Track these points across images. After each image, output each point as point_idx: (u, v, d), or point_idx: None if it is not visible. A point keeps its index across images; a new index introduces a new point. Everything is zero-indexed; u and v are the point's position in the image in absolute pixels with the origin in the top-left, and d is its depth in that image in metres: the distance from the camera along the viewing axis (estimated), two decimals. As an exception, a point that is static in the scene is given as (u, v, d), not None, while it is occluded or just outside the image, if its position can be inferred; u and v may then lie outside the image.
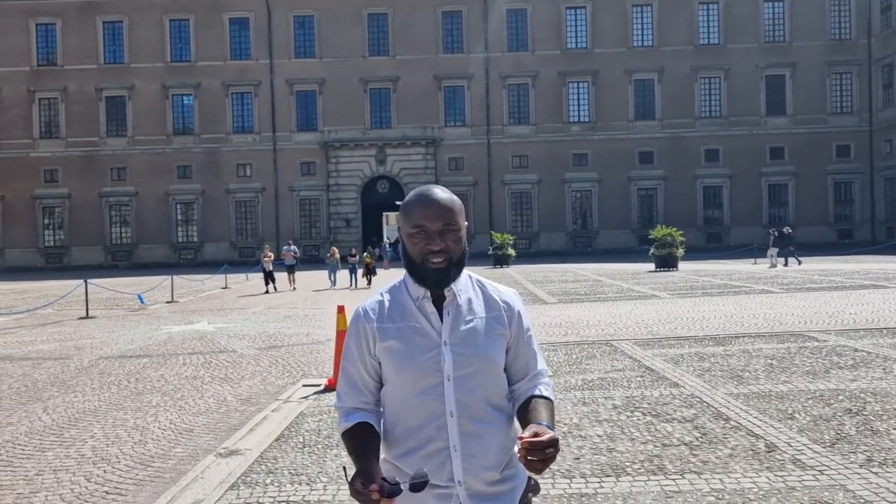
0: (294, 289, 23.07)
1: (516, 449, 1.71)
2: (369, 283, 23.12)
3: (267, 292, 22.02)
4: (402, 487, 1.65)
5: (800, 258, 27.55)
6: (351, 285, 23.21)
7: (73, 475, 5.18)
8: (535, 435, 1.67)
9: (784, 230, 27.48)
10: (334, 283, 23.71)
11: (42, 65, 43.23)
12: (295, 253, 24.74)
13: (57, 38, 43.02)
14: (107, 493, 4.81)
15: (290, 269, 23.82)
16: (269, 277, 22.63)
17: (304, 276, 28.33)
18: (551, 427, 1.76)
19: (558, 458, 4.98)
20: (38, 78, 43.01)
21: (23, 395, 7.86)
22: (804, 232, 42.46)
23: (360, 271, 24.08)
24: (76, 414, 7.06)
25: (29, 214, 43.02)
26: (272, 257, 23.37)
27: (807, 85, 42.87)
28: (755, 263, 28.10)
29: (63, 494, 4.79)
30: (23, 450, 5.87)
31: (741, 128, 43.00)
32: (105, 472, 5.25)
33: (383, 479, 1.65)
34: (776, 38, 43.34)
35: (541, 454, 1.65)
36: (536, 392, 1.94)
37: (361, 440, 1.87)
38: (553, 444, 1.67)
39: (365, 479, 1.70)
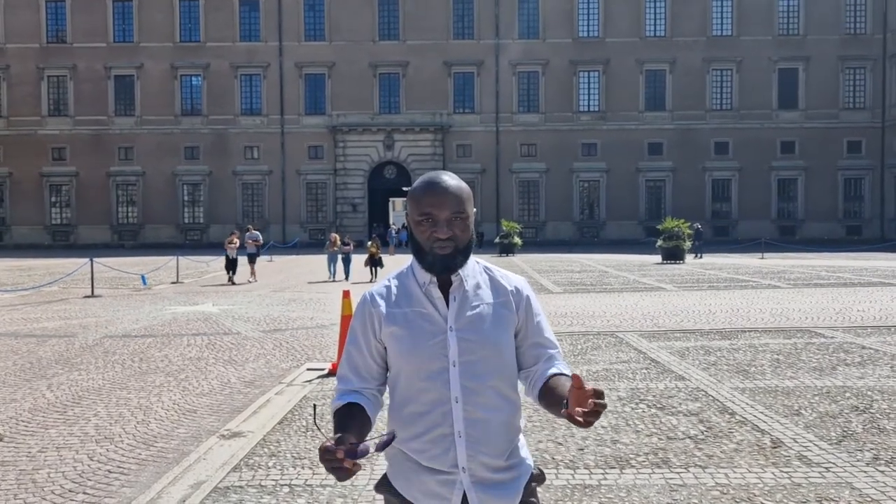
0: (252, 280, 20.02)
1: (567, 411, 1.62)
2: (374, 275, 20.35)
3: (231, 283, 19.37)
4: (369, 446, 1.61)
5: (702, 254, 29.67)
6: (346, 277, 20.30)
7: (76, 453, 5.18)
8: (581, 384, 1.60)
9: (695, 226, 29.19)
10: (333, 274, 20.71)
11: (51, 42, 43.18)
12: (257, 240, 21.59)
13: (67, 15, 42.92)
14: (109, 471, 4.81)
15: (251, 259, 20.84)
16: (231, 266, 19.73)
17: (302, 263, 28.22)
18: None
19: (562, 448, 4.96)
20: (48, 55, 42.97)
21: (27, 372, 7.88)
22: (813, 227, 42.29)
23: (352, 260, 21.53)
24: (80, 392, 7.07)
25: (36, 192, 43.13)
26: (237, 244, 20.22)
27: (820, 79, 42.52)
28: (762, 258, 27.99)
29: (66, 472, 4.79)
30: (26, 426, 5.87)
31: (752, 121, 42.71)
32: (108, 450, 5.25)
33: (350, 442, 1.60)
34: (790, 31, 42.95)
35: (594, 404, 1.57)
36: (555, 370, 1.90)
37: (347, 417, 1.85)
38: (600, 394, 1.59)
39: (336, 442, 1.62)
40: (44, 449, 5.28)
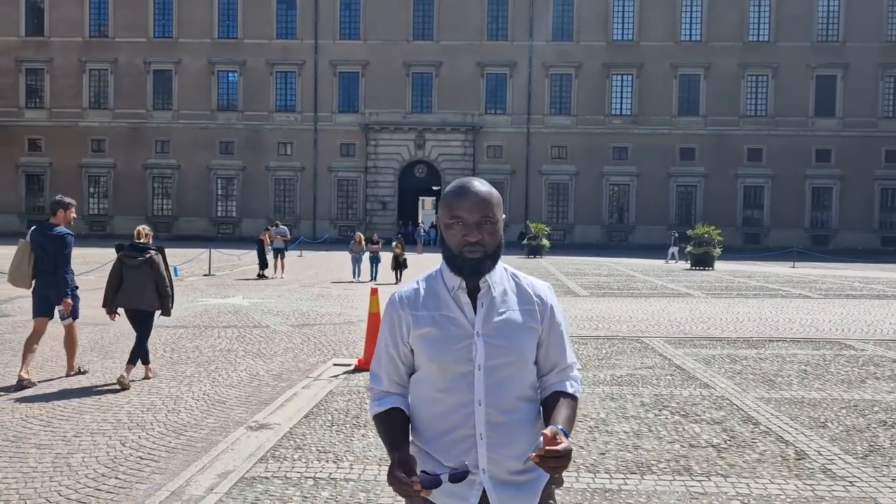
0: (281, 275, 19.85)
1: (532, 454, 1.76)
2: (399, 277, 19.06)
3: (262, 277, 19.52)
4: (442, 479, 1.69)
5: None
6: (371, 278, 19.48)
7: (109, 439, 5.34)
8: (554, 440, 1.73)
9: (674, 234, 31.86)
10: (358, 274, 19.72)
11: (94, 36, 44.09)
12: (285, 235, 21.58)
13: (109, 10, 43.80)
14: (140, 458, 4.95)
15: (279, 254, 20.68)
16: (262, 261, 19.99)
17: (329, 260, 28.37)
18: (567, 433, 1.82)
19: (583, 452, 4.99)
20: (90, 49, 43.88)
21: (64, 359, 8.09)
22: (847, 237, 41.52)
23: (381, 259, 20.53)
24: (114, 379, 7.26)
25: (75, 182, 44.02)
26: (272, 240, 20.58)
27: (858, 87, 41.70)
28: (793, 267, 27.57)
29: (99, 457, 4.94)
30: (62, 411, 6.06)
31: (787, 128, 42.05)
32: (139, 437, 5.40)
33: (423, 471, 1.69)
34: (829, 38, 42.20)
35: (554, 462, 1.72)
36: (562, 388, 1.98)
37: (395, 426, 1.92)
38: (567, 454, 1.73)
39: (405, 468, 1.75)
40: (78, 434, 5.45)
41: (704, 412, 6.14)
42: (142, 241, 7.23)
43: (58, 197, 7.29)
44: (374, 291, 8.07)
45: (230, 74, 43.90)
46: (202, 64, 43.58)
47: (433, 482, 1.68)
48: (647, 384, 7.17)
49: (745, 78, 42.38)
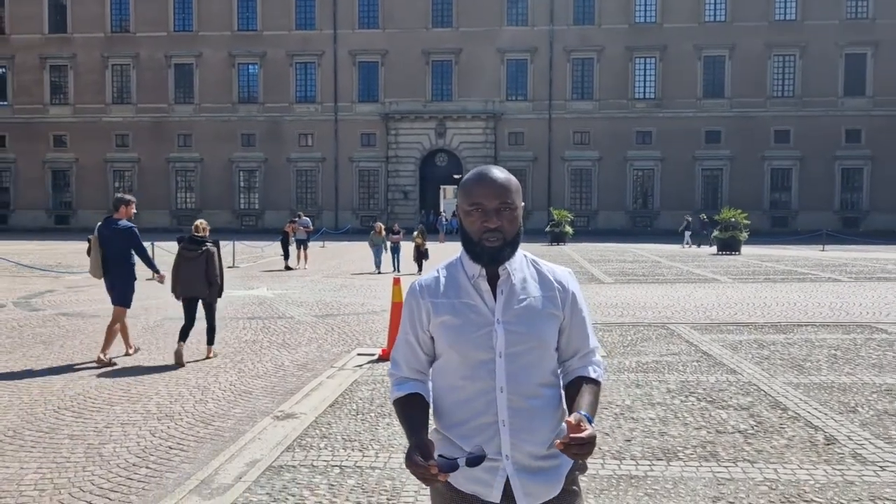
0: (304, 266, 20.01)
1: (557, 441, 1.76)
2: (420, 268, 18.67)
3: (287, 268, 19.55)
4: (459, 463, 1.70)
5: (699, 244, 30.76)
6: (393, 269, 18.99)
7: (139, 429, 5.43)
8: (578, 427, 1.73)
9: (685, 218, 32.37)
10: (378, 266, 19.14)
11: (115, 32, 44.52)
12: (307, 226, 21.74)
13: (130, 5, 44.18)
14: (170, 448, 5.03)
15: (303, 245, 20.86)
16: (286, 252, 20.13)
17: (354, 250, 28.38)
18: (591, 419, 1.82)
19: (609, 439, 4.97)
20: (112, 44, 44.33)
21: (93, 352, 8.23)
22: (878, 219, 40.76)
23: (401, 249, 20.09)
24: (142, 371, 7.37)
25: (101, 177, 44.66)
26: (295, 231, 20.83)
27: (890, 64, 40.73)
28: (823, 250, 27.14)
29: (130, 447, 5.03)
30: (93, 402, 6.17)
31: (815, 108, 41.27)
32: (168, 427, 5.48)
33: (440, 455, 1.70)
34: (858, 15, 41.24)
35: (578, 449, 1.72)
36: (585, 373, 1.98)
37: (414, 411, 1.93)
38: (592, 441, 1.73)
39: (422, 453, 1.76)
40: (109, 424, 5.55)
41: (731, 398, 6.08)
42: (199, 234, 7.99)
43: (119, 195, 8.32)
44: (396, 281, 8.09)
45: (250, 67, 44.09)
46: (222, 57, 43.83)
47: (450, 466, 1.70)
48: (672, 371, 7.12)
49: (772, 58, 41.62)
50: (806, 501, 3.95)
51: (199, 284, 7.81)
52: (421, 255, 18.71)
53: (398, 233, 20.17)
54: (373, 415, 5.71)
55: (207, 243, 7.87)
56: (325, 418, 5.62)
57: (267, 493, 4.14)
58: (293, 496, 4.10)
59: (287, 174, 44.06)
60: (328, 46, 43.29)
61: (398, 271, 18.55)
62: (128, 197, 8.29)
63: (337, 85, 43.37)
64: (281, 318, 11.01)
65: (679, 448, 4.83)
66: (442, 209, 46.21)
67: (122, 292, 7.90)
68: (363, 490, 4.17)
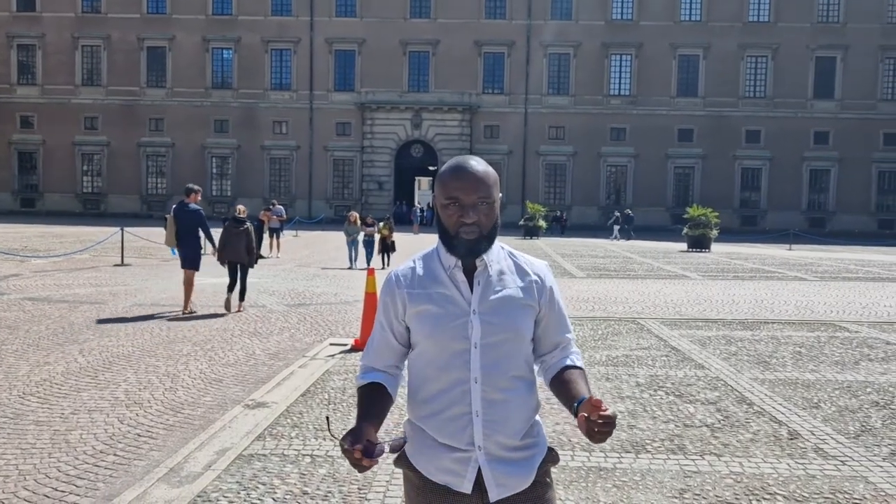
0: (277, 256, 19.77)
1: (581, 415, 1.74)
2: (386, 262, 18.01)
3: (260, 257, 18.60)
4: (384, 448, 1.76)
5: (626, 238, 33.04)
6: (368, 265, 16.42)
7: (107, 416, 5.36)
8: (601, 406, 1.69)
9: (626, 212, 34.84)
10: (354, 260, 17.95)
11: (86, 12, 43.58)
12: (280, 215, 21.60)
13: (102, -15, 43.28)
14: (138, 435, 4.97)
15: (275, 234, 20.62)
16: (258, 241, 18.56)
17: (328, 239, 28.26)
18: None
19: (578, 431, 5.02)
20: (82, 25, 43.39)
21: (59, 337, 8.11)
22: (844, 220, 41.61)
23: (374, 244, 18.67)
24: (110, 358, 7.28)
25: (69, 160, 43.79)
26: (270, 219, 20.71)
27: (858, 69, 41.56)
28: (790, 249, 27.64)
29: (97, 434, 4.96)
30: (59, 389, 6.08)
31: (786, 110, 41.95)
32: (137, 415, 5.42)
33: (368, 441, 1.73)
34: (829, 19, 41.95)
35: (603, 426, 1.69)
36: (569, 362, 1.98)
37: (370, 400, 1.93)
38: (615, 419, 1.71)
39: (354, 438, 1.76)
40: (76, 411, 5.47)
41: (699, 393, 6.18)
42: (241, 216, 10.69)
43: (189, 185, 10.72)
44: (370, 272, 8.08)
45: (224, 52, 43.50)
46: (196, 41, 43.17)
47: (373, 451, 1.73)
48: (642, 365, 7.21)
49: (745, 59, 42.19)
50: (769, 494, 4.04)
51: (241, 253, 10.42)
52: (387, 248, 18.19)
53: (372, 225, 19.29)
54: (345, 405, 5.71)
55: (247, 223, 10.57)
56: (296, 407, 5.60)
57: (237, 482, 4.11)
58: (263, 485, 4.08)
59: (261, 162, 43.62)
60: (304, 33, 42.86)
61: (369, 265, 17.40)
62: (196, 187, 10.68)
63: (313, 73, 43.00)
64: (252, 306, 10.93)
65: (647, 441, 4.90)
66: (417, 200, 46.16)
67: (192, 259, 10.14)
68: (334, 479, 4.17)
